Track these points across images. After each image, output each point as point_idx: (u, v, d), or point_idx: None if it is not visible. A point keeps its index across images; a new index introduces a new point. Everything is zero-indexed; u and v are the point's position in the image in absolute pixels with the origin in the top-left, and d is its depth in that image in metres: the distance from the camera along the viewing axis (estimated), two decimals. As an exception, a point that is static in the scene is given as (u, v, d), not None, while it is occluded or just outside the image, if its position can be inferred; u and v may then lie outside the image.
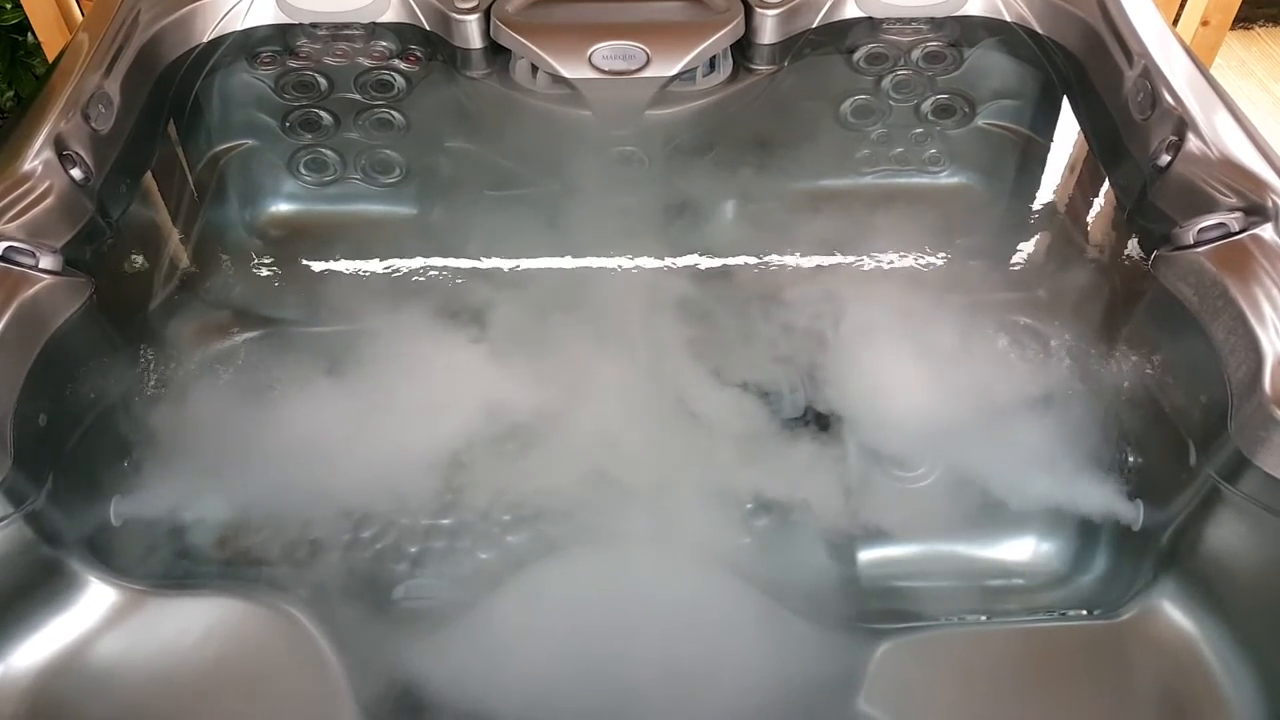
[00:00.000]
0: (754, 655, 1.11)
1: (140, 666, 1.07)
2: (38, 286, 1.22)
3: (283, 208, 1.75)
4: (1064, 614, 1.21)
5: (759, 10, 1.79)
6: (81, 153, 1.41)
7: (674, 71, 1.73)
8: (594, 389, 1.37)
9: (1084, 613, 1.21)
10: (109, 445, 1.27)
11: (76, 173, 1.38)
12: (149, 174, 1.62)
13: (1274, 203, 1.26)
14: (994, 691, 1.09)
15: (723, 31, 1.75)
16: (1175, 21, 2.32)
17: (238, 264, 1.64)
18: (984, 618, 1.21)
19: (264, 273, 1.63)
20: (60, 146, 1.38)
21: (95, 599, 1.12)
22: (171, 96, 1.72)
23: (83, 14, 2.20)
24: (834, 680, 1.08)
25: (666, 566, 1.20)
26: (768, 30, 1.81)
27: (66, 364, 1.26)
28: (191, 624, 1.11)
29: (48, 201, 1.32)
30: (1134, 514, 1.24)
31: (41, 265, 1.25)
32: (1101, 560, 1.27)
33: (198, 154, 1.76)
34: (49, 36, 2.20)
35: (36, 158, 1.34)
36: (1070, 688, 1.09)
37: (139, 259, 1.55)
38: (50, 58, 2.21)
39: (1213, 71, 1.57)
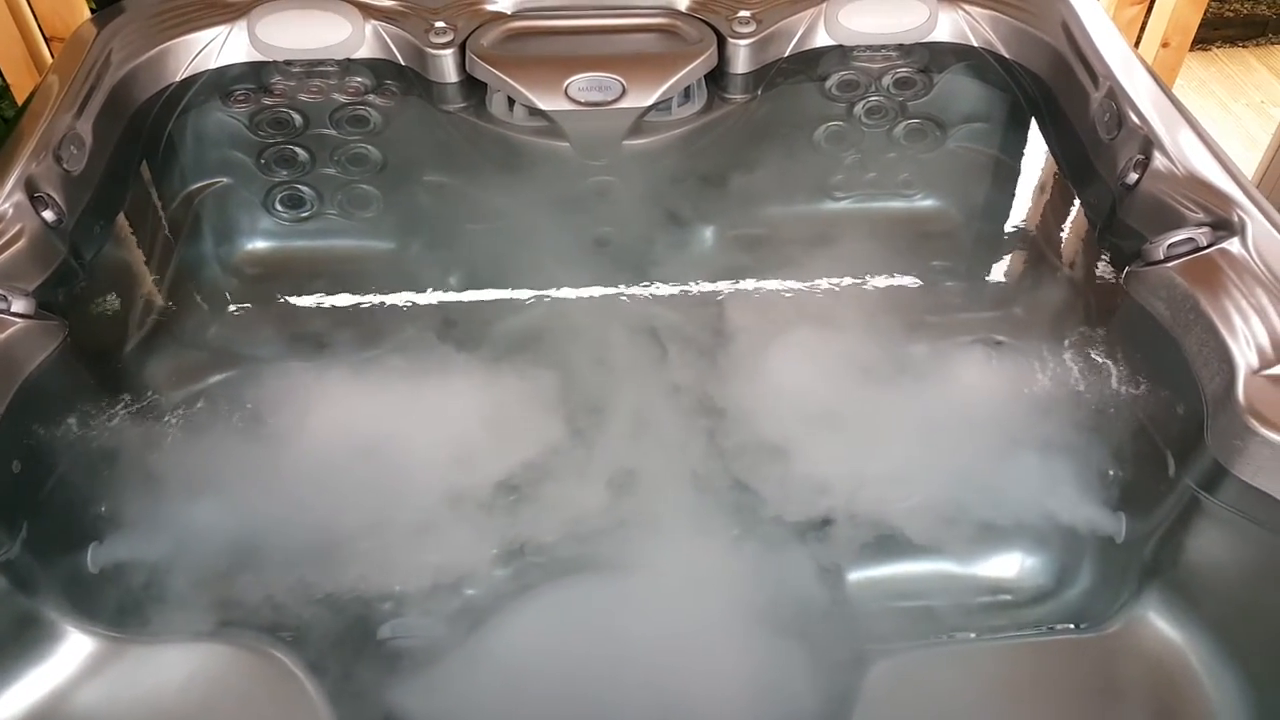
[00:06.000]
0: (746, 680, 1.10)
1: (122, 718, 1.05)
2: (10, 330, 1.21)
3: (259, 245, 1.74)
4: (1052, 628, 1.22)
5: (731, 40, 1.81)
6: (53, 194, 1.40)
7: (650, 102, 1.75)
8: (575, 421, 1.37)
9: (1071, 626, 1.21)
10: (85, 491, 1.25)
11: (48, 215, 1.37)
12: (122, 215, 1.61)
13: (1239, 217, 1.29)
14: (986, 708, 1.09)
15: (696, 62, 1.77)
16: (1137, 44, 2.37)
17: (214, 303, 1.63)
18: (973, 635, 1.20)
19: (241, 311, 1.62)
20: (31, 189, 1.37)
21: (73, 649, 1.09)
22: (144, 136, 1.72)
23: (52, 55, 2.19)
24: (827, 702, 1.07)
25: (655, 593, 1.19)
26: (740, 60, 1.84)
27: (41, 408, 1.24)
28: (174, 672, 1.08)
29: (19, 244, 1.31)
30: (1117, 527, 1.25)
31: (13, 309, 1.23)
32: (1087, 574, 1.27)
33: (172, 193, 1.75)
34: (18, 78, 2.18)
35: (7, 200, 1.33)
36: (1060, 701, 1.09)
37: (113, 300, 1.53)
38: (19, 100, 2.20)
39: (1174, 91, 1.61)
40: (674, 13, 1.87)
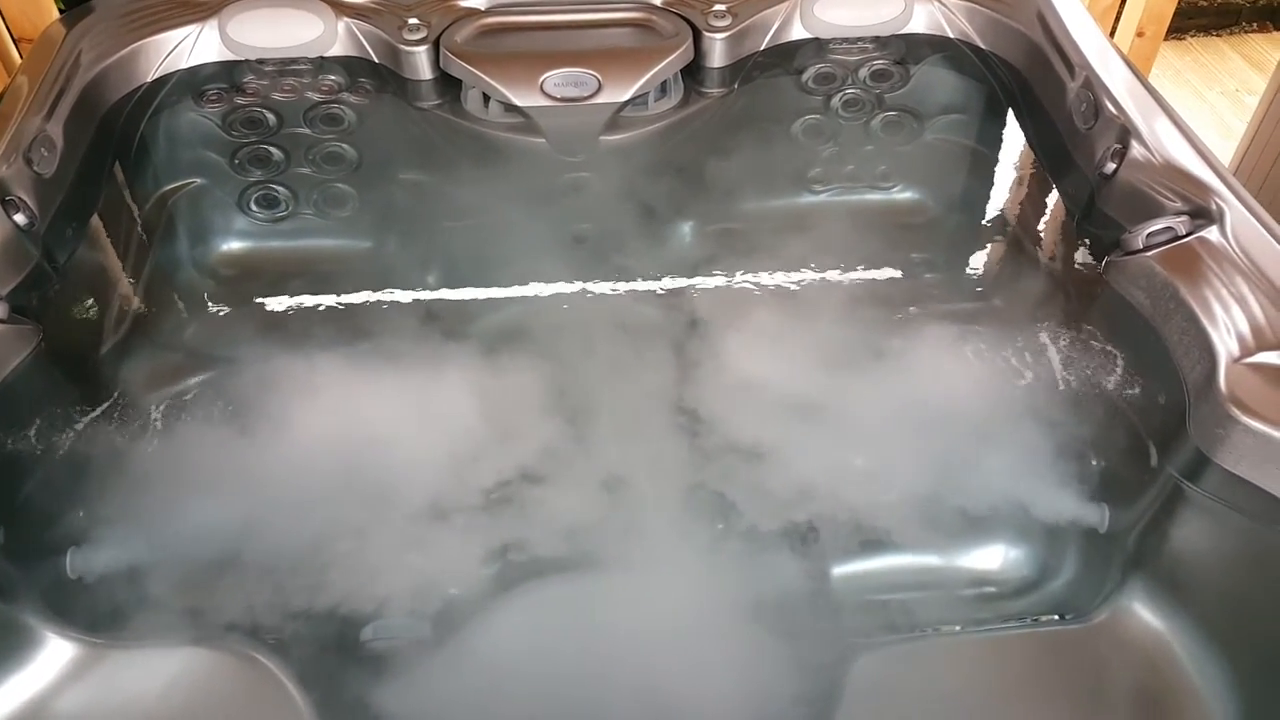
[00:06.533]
0: (731, 675, 1.10)
1: (103, 726, 1.04)
2: (-18, 336, 1.19)
3: (234, 246, 1.72)
4: (1037, 620, 1.22)
5: (707, 34, 1.81)
6: (24, 198, 1.38)
7: (626, 97, 1.74)
8: (557, 417, 1.36)
9: (1056, 617, 1.21)
10: (63, 496, 1.24)
11: (20, 218, 1.35)
12: (95, 216, 1.59)
13: (1217, 205, 1.29)
14: (971, 700, 1.09)
15: (672, 56, 1.77)
16: (1112, 33, 2.39)
17: (190, 305, 1.61)
18: (958, 627, 1.21)
19: (217, 313, 1.60)
20: (2, 192, 1.35)
21: (53, 655, 1.08)
22: (116, 137, 1.70)
23: (21, 56, 2.16)
24: (812, 696, 1.07)
25: (640, 589, 1.19)
26: (716, 54, 1.83)
27: (16, 413, 1.23)
28: (155, 677, 1.07)
29: (-10, 249, 1.29)
30: (1100, 517, 1.25)
31: (-15, 314, 1.22)
32: (1071, 564, 1.28)
33: (145, 194, 1.73)
34: (-14, 81, 2.15)
35: (-23, 204, 1.31)
36: (1046, 692, 1.10)
37: (88, 304, 1.51)
38: (-12, 102, 2.17)
39: (1150, 81, 1.61)
40: (649, 7, 1.87)
